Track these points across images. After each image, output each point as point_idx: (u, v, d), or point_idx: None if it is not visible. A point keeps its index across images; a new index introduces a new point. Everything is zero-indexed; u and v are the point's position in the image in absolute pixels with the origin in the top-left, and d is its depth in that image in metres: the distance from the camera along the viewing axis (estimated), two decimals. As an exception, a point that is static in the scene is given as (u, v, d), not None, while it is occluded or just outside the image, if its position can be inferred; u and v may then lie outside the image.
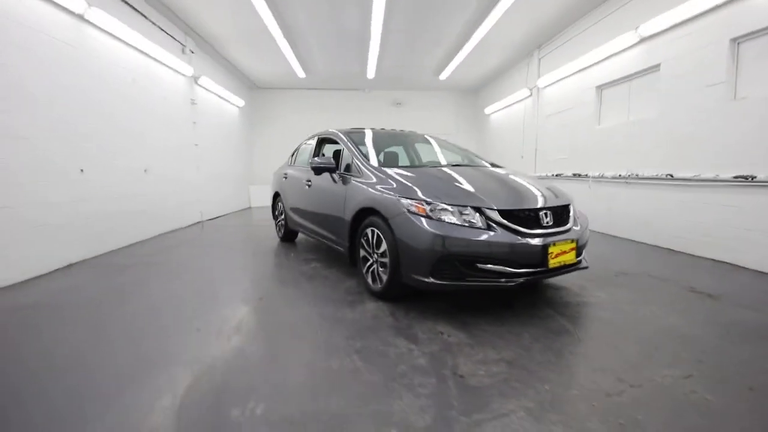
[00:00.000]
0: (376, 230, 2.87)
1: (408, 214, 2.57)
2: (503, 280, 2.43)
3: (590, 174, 6.06)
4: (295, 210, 4.74)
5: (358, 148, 3.59)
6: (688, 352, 2.10)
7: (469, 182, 2.86)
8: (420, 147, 4.35)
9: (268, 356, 2.09)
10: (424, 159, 4.17)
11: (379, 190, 2.92)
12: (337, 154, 3.88)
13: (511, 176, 3.20)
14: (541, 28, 6.86)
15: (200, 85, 7.46)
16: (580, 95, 6.39)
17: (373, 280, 2.98)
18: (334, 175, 3.60)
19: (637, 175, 5.09)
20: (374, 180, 3.09)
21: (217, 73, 8.49)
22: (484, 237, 2.41)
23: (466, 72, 9.44)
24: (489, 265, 2.41)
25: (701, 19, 4.14)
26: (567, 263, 2.61)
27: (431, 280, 2.45)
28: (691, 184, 4.32)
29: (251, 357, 2.07)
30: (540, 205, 2.67)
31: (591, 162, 6.16)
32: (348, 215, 3.26)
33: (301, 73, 9.27)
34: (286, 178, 5.12)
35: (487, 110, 10.54)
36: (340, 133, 3.95)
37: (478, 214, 2.50)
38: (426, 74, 9.73)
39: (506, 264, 2.43)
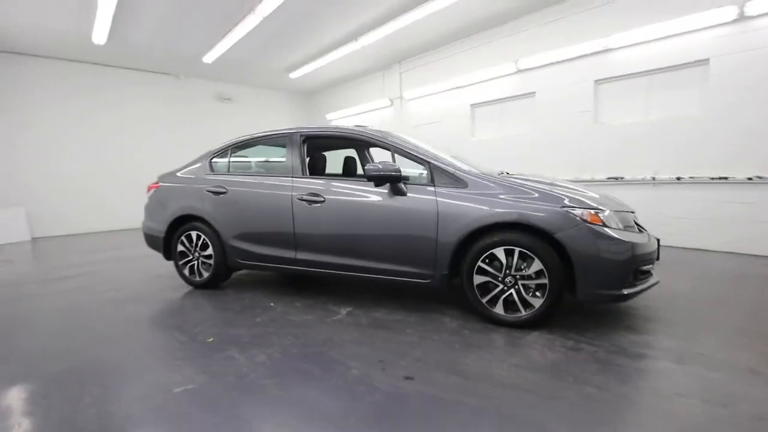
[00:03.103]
0: (517, 248, 2.45)
1: (588, 225, 2.33)
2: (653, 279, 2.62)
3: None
4: (258, 238, 3.29)
5: (426, 151, 2.89)
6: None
7: (575, 187, 2.85)
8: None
9: None
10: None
11: (521, 202, 2.48)
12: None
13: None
14: (406, 48, 7.39)
15: None
16: (455, 110, 7.32)
17: (507, 308, 2.52)
18: (402, 186, 2.75)
19: (521, 178, 6.36)
20: (487, 190, 2.59)
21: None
22: (651, 240, 2.51)
23: (314, 75, 8.96)
24: (646, 267, 2.53)
25: (575, 62, 5.62)
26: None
27: (625, 291, 2.33)
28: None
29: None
30: (629, 207, 3.01)
31: (470, 168, 7.18)
32: (452, 236, 2.59)
33: (100, 39, 6.25)
34: (220, 193, 3.45)
35: (330, 116, 10.35)
36: (379, 133, 3.06)
37: (632, 220, 2.56)
38: (274, 70, 8.58)
39: (650, 264, 2.62)
